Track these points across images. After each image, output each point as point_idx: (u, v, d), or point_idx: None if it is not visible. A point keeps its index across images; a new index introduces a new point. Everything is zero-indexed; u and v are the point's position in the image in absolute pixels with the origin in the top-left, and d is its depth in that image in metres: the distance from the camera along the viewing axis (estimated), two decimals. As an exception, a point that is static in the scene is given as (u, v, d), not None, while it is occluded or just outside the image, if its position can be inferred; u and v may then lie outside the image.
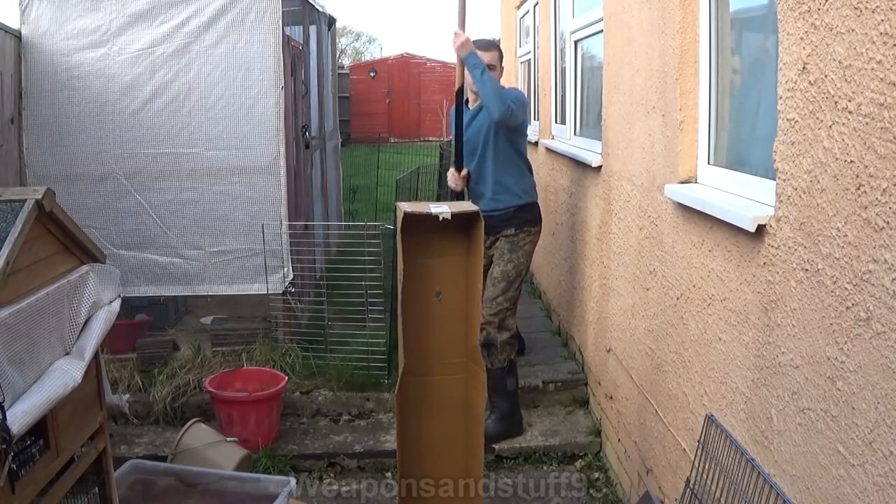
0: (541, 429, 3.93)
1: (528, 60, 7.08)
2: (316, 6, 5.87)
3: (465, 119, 3.88)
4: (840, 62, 1.62)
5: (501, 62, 4.00)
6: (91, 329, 2.19)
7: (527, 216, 3.86)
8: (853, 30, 1.57)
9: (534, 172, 4.05)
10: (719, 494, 2.19)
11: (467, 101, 3.93)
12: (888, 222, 1.48)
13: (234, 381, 3.92)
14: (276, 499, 2.76)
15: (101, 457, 2.38)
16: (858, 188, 1.57)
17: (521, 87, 7.76)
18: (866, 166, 1.54)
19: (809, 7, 1.74)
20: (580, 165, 4.27)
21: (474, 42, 3.70)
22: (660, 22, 2.83)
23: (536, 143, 5.92)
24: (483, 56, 3.69)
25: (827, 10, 1.67)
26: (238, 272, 4.38)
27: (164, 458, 3.34)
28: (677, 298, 2.70)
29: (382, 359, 4.18)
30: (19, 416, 1.76)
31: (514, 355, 3.88)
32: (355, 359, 4.19)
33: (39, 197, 1.96)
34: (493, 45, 3.98)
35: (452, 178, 3.84)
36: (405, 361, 2.58)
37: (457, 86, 3.74)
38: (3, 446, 1.69)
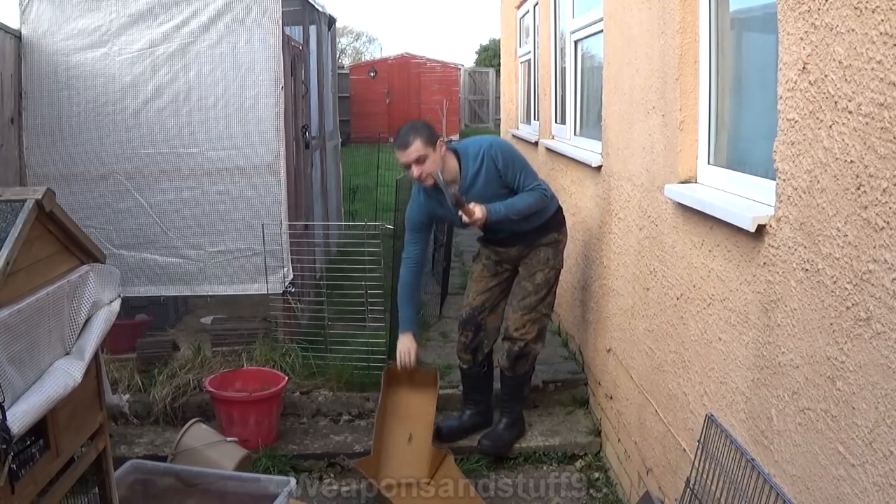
0: (541, 429, 3.92)
1: (528, 60, 7.08)
2: (316, 6, 5.87)
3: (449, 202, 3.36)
4: (840, 62, 1.62)
5: (434, 144, 3.29)
6: (91, 329, 2.20)
7: (559, 217, 3.67)
8: (853, 30, 1.57)
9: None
10: (719, 494, 2.19)
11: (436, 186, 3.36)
12: (888, 222, 1.48)
13: (234, 381, 3.92)
14: (276, 499, 2.77)
15: (101, 457, 2.38)
16: (858, 188, 1.57)
17: (521, 87, 7.76)
18: (866, 166, 1.54)
19: (809, 7, 1.74)
20: (580, 165, 4.27)
21: (397, 144, 3.32)
22: (660, 22, 2.83)
23: (536, 143, 5.92)
24: (409, 154, 3.26)
25: (827, 10, 1.67)
26: (238, 272, 4.38)
27: (164, 458, 3.34)
28: (677, 298, 2.70)
29: (382, 359, 4.18)
30: (19, 416, 1.76)
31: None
32: (355, 359, 4.19)
33: (39, 197, 1.96)
34: (410, 136, 3.27)
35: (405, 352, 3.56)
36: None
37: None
38: (3, 446, 1.69)
